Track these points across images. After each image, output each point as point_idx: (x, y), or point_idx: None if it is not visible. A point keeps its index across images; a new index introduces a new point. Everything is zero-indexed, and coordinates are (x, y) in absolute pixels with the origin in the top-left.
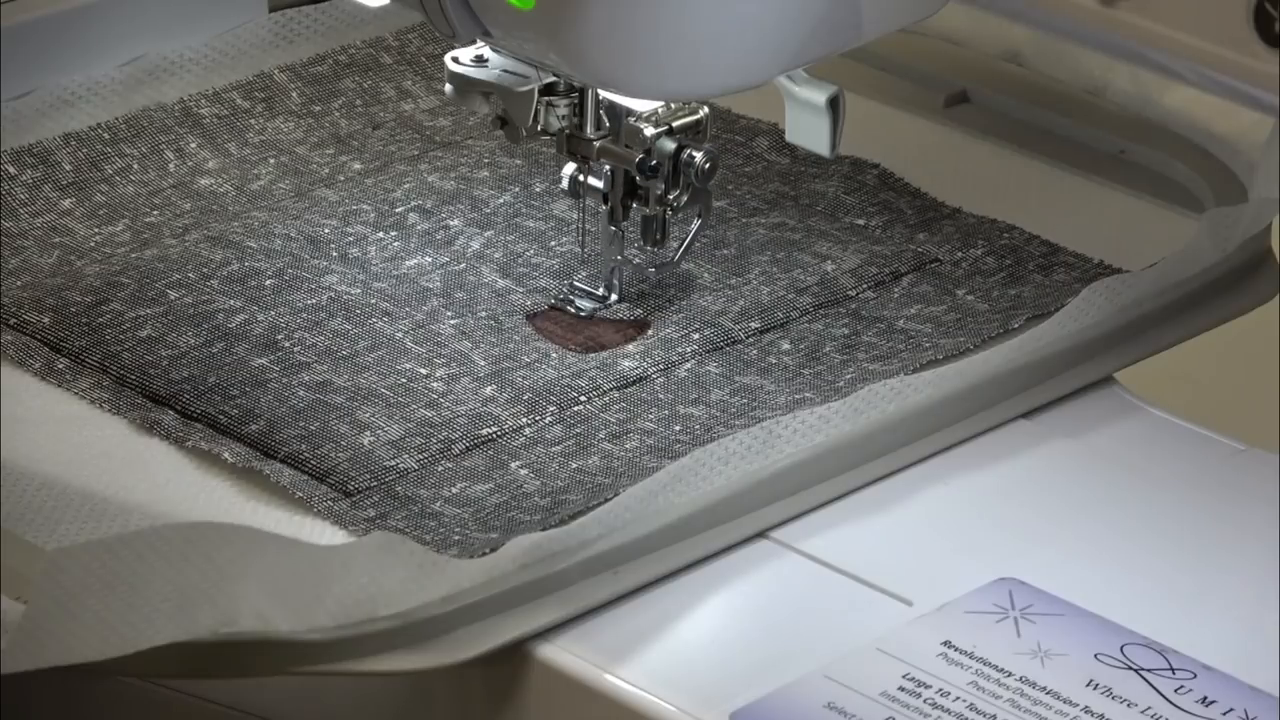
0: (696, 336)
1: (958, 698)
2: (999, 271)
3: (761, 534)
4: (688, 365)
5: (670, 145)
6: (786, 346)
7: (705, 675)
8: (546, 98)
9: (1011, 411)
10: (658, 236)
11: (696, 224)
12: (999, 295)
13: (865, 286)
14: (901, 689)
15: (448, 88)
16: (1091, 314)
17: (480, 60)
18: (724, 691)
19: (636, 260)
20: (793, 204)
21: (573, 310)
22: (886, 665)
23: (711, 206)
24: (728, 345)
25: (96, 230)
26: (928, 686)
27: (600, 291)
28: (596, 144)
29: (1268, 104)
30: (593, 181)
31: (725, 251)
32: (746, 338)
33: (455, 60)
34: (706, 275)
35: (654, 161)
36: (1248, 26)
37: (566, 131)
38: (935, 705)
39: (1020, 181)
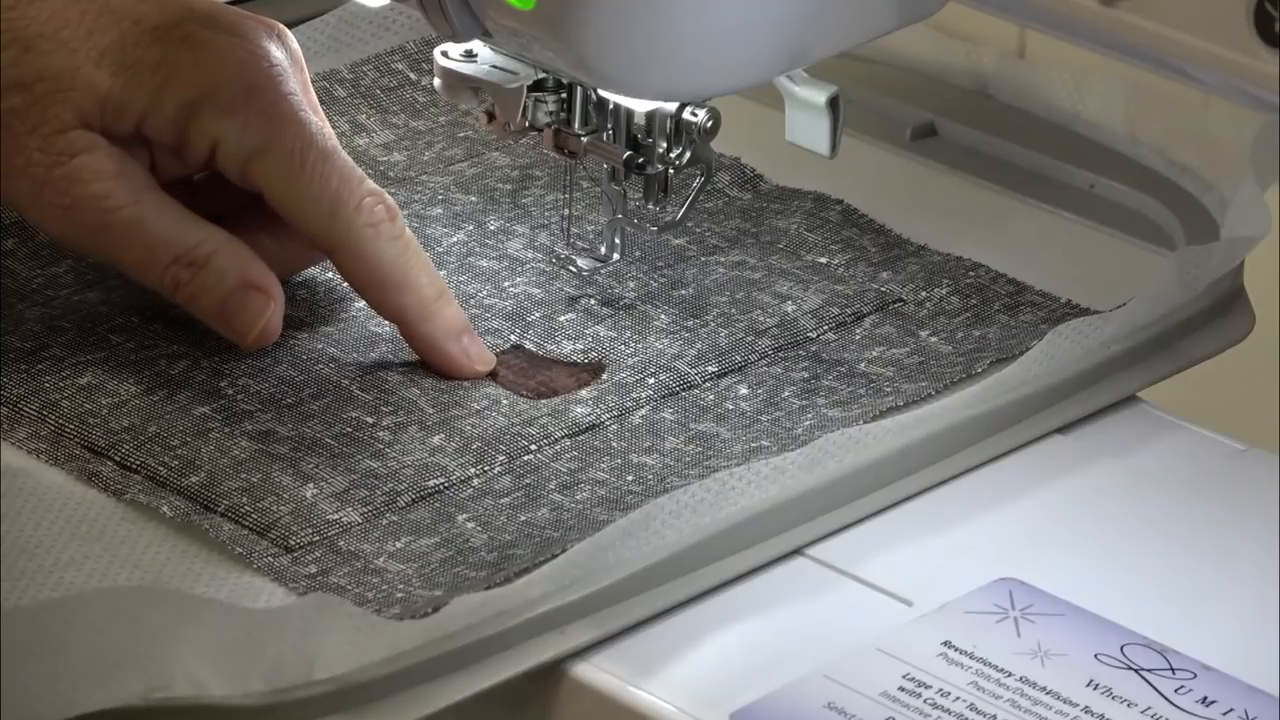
0: (652, 381)
1: (958, 698)
2: (964, 312)
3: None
4: (642, 411)
5: (671, 105)
6: (744, 391)
7: (705, 675)
8: (535, 94)
9: (974, 459)
10: (660, 195)
11: (698, 183)
12: (963, 337)
13: (826, 328)
14: (901, 689)
15: (436, 82)
16: (1057, 357)
17: (469, 55)
18: (724, 691)
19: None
20: (754, 241)
21: (573, 270)
22: (886, 665)
23: (714, 165)
24: (684, 390)
25: (39, 271)
26: (928, 686)
27: (601, 251)
28: (584, 139)
29: (1268, 104)
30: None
31: (683, 292)
32: (703, 382)
33: (444, 55)
34: (664, 317)
35: (641, 159)
36: (1248, 26)
37: (554, 127)
38: (935, 705)
39: (988, 217)
